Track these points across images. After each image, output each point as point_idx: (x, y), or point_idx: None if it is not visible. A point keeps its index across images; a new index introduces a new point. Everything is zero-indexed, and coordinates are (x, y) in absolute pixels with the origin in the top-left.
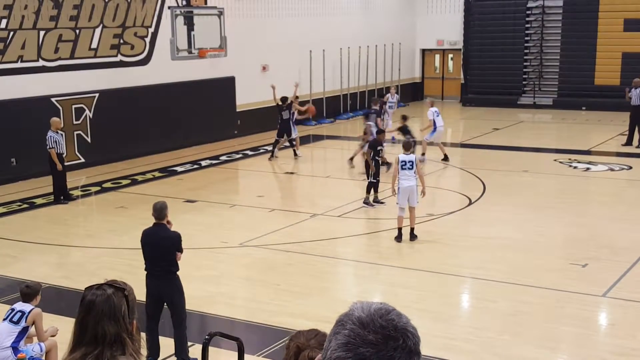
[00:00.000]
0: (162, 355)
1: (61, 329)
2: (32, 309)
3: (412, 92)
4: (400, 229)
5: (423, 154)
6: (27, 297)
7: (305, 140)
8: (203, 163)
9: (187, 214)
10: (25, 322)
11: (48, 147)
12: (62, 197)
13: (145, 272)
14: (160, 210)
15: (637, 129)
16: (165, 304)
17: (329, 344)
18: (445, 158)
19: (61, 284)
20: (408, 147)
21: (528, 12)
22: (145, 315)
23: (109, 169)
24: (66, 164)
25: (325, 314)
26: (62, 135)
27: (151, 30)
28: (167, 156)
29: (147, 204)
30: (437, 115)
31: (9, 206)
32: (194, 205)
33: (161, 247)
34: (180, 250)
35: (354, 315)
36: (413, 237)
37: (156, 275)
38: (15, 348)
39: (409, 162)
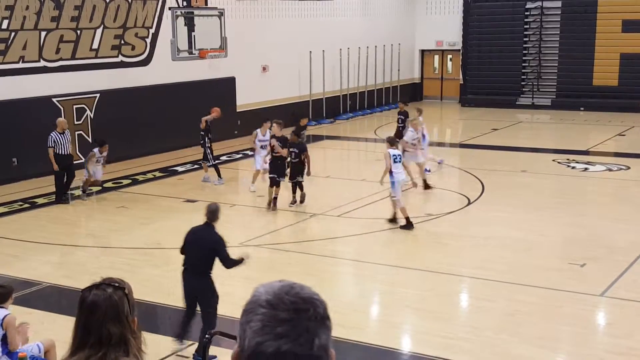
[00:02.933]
0: (160, 355)
1: (61, 327)
2: (7, 314)
3: (411, 93)
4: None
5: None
6: (0, 298)
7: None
8: None
9: (188, 213)
10: (2, 328)
11: (48, 146)
12: (63, 197)
13: (183, 268)
14: (213, 212)
15: None
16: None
17: (244, 333)
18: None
19: (62, 283)
20: (392, 142)
21: (527, 13)
22: (185, 304)
23: (109, 168)
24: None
25: None
26: (65, 135)
27: (152, 31)
28: (168, 156)
29: (147, 204)
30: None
31: (11, 206)
32: (194, 205)
33: (204, 249)
34: (224, 254)
35: (261, 299)
36: (401, 225)
37: (191, 273)
38: (8, 353)
39: (398, 155)
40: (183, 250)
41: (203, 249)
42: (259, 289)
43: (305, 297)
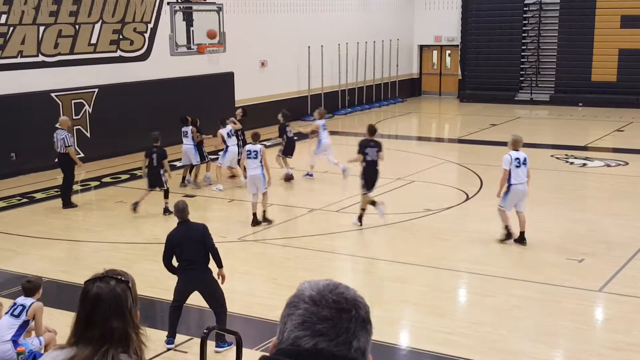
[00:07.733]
0: (157, 351)
1: (60, 322)
2: (33, 302)
3: (409, 88)
4: (255, 214)
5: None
6: (28, 291)
7: (303, 135)
8: None
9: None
10: (26, 315)
11: (66, 145)
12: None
13: (181, 268)
14: (182, 210)
15: None
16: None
17: (284, 326)
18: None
19: (60, 278)
20: (256, 137)
21: (525, 8)
22: (173, 299)
23: (108, 163)
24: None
25: None
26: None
27: (150, 25)
28: (167, 151)
29: (145, 199)
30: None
31: (9, 200)
32: (193, 200)
33: (194, 242)
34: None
35: (304, 295)
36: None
37: (193, 270)
38: (15, 342)
39: (254, 151)
40: (170, 253)
41: (199, 243)
42: (304, 284)
43: (349, 297)
